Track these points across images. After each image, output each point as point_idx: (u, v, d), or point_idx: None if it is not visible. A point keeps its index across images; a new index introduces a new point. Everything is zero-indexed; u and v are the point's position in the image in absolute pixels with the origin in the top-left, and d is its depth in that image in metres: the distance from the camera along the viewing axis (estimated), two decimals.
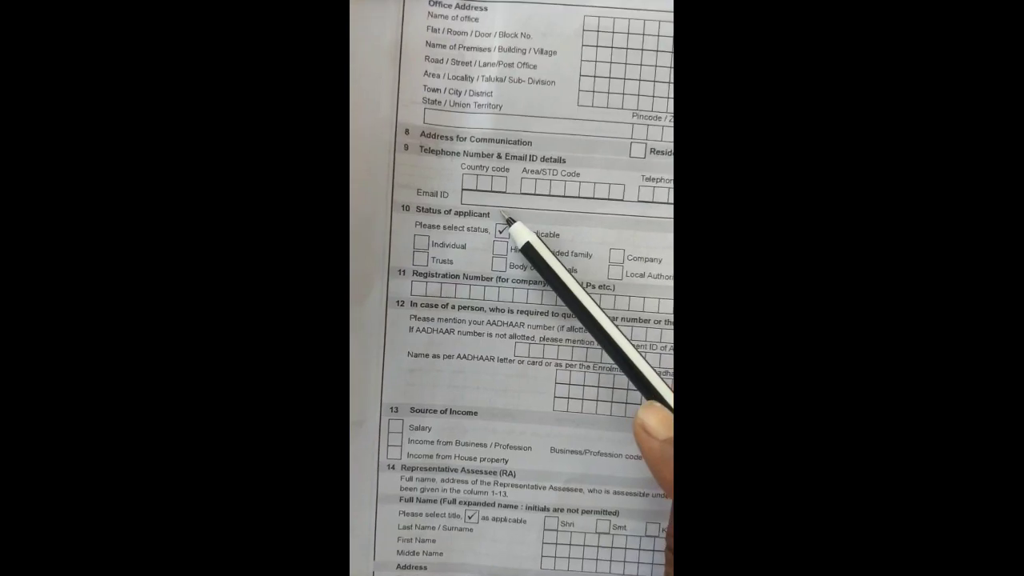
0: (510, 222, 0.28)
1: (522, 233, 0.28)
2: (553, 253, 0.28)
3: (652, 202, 0.28)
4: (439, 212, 0.28)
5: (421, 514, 0.30)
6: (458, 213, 0.28)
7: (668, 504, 0.29)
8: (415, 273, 0.28)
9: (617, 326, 0.27)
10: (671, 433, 0.24)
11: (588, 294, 0.27)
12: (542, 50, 0.28)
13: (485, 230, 0.28)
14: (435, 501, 0.30)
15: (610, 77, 0.28)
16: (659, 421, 0.25)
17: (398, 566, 0.30)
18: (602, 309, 0.27)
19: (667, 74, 0.28)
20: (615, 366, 0.29)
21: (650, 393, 0.26)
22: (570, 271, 0.28)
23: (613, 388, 0.29)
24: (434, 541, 0.30)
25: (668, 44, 0.28)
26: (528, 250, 0.28)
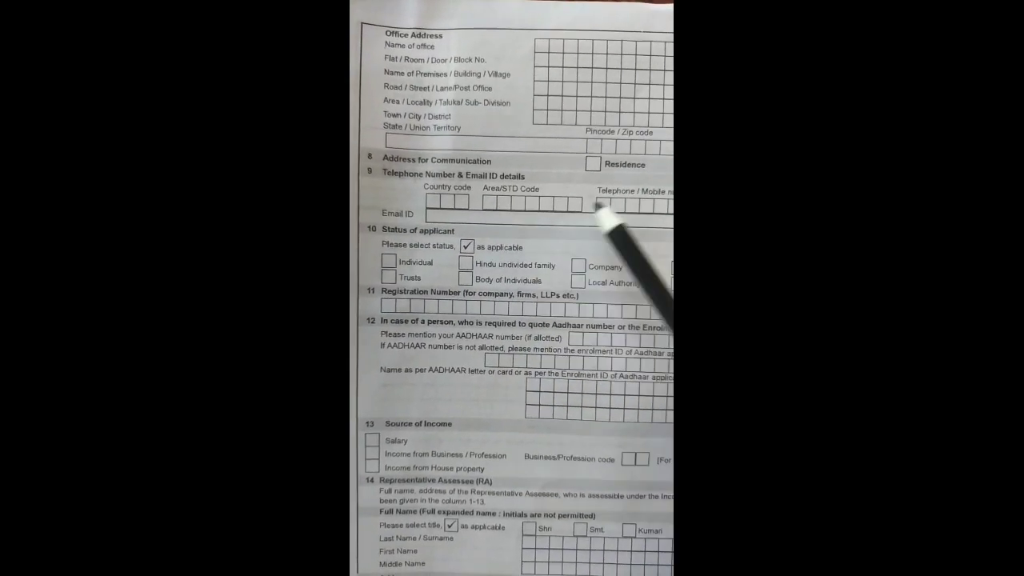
0: (598, 206, 0.29)
1: (610, 218, 0.28)
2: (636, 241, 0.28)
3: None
4: (404, 231, 0.29)
5: (401, 525, 0.30)
6: (423, 231, 0.29)
7: (642, 505, 0.30)
8: (384, 291, 0.30)
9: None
10: None
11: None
12: (496, 73, 0.29)
13: (450, 246, 0.30)
14: (415, 512, 0.30)
15: (562, 95, 0.29)
16: None
17: None
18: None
19: (617, 89, 0.29)
20: (583, 372, 0.30)
21: None
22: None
23: (583, 393, 0.30)
24: (416, 551, 0.30)
25: (617, 62, 0.29)
26: (616, 234, 0.28)
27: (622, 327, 0.30)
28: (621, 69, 0.29)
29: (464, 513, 0.30)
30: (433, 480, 0.30)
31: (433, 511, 0.30)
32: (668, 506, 0.30)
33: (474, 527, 0.30)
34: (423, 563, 0.30)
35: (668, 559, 0.30)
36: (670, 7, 0.29)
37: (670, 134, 0.29)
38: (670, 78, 0.29)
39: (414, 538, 0.30)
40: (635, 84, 0.29)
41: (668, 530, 0.30)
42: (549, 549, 0.30)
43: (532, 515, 0.30)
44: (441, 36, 0.29)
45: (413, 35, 0.29)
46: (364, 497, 0.30)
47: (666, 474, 0.30)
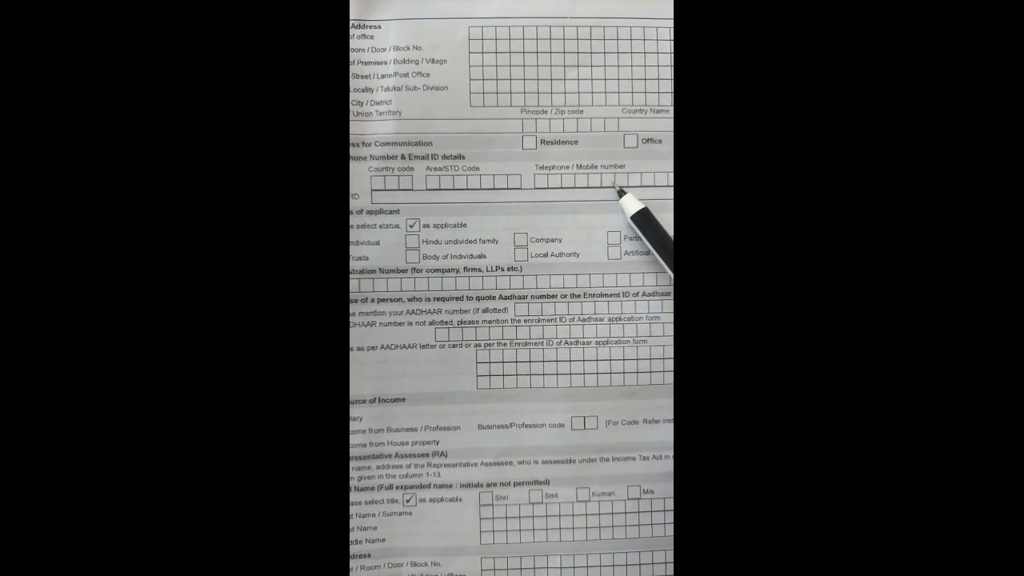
0: (621, 193, 0.31)
1: (633, 203, 0.30)
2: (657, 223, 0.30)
3: (547, 188, 0.31)
4: (352, 213, 0.30)
5: (360, 502, 0.31)
6: (369, 212, 0.30)
7: (594, 469, 0.31)
8: None
9: None
10: None
11: None
12: (433, 59, 0.31)
13: (396, 226, 0.31)
14: (372, 488, 0.31)
15: (497, 79, 0.31)
16: None
17: None
18: None
19: (548, 72, 0.31)
20: (530, 341, 0.31)
21: None
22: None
23: (530, 362, 0.31)
24: (376, 528, 0.31)
25: (546, 46, 0.31)
26: (640, 217, 0.30)
27: (564, 296, 0.31)
28: (551, 53, 0.31)
29: (422, 487, 0.31)
30: (390, 456, 0.31)
31: (391, 487, 0.31)
32: (619, 468, 0.31)
33: (432, 500, 0.31)
34: (383, 539, 0.31)
35: (621, 520, 0.31)
36: None
37: (600, 111, 0.31)
38: (598, 59, 0.31)
39: (373, 515, 0.31)
40: (564, 66, 0.31)
41: (621, 492, 0.31)
42: (507, 518, 0.31)
43: (488, 485, 0.31)
44: (380, 26, 0.30)
45: (354, 26, 0.30)
46: None
47: (615, 436, 0.31)
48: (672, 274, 0.30)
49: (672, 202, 0.31)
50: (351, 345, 0.30)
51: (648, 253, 0.31)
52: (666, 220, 0.31)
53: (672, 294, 0.31)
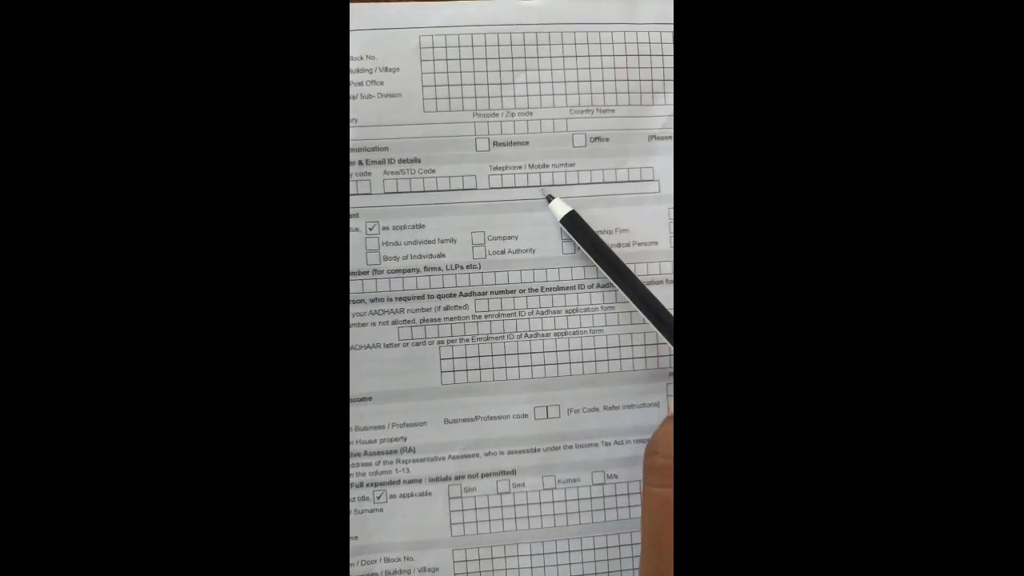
0: (549, 199, 0.32)
1: (562, 207, 0.31)
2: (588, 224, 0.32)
3: (501, 187, 0.32)
4: None
5: None
6: None
7: (558, 456, 0.32)
8: None
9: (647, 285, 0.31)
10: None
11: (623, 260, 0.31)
12: (386, 68, 0.32)
13: (356, 229, 0.31)
14: None
15: (448, 84, 0.32)
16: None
17: None
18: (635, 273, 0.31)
19: (498, 76, 0.32)
20: (491, 335, 0.32)
21: None
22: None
23: (492, 355, 0.32)
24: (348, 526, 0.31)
25: (495, 52, 0.32)
26: (569, 220, 0.31)
27: (522, 291, 0.32)
28: (499, 59, 0.32)
29: (391, 483, 0.32)
30: (359, 454, 0.32)
31: (361, 484, 0.31)
32: (582, 455, 0.32)
33: (402, 496, 0.32)
34: (356, 537, 0.31)
35: (587, 505, 0.32)
36: (538, 1, 0.32)
37: (549, 113, 0.32)
38: (544, 63, 0.32)
39: None
40: (513, 71, 0.32)
41: (586, 478, 0.32)
42: (476, 509, 0.32)
43: (456, 478, 0.32)
44: None
45: None
46: None
47: (576, 424, 0.32)
48: (600, 269, 0.32)
49: (625, 196, 0.32)
50: None
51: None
52: (617, 214, 0.32)
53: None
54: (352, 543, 0.31)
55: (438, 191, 0.32)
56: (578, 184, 0.32)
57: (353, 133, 0.31)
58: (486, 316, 0.32)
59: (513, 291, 0.32)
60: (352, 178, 0.31)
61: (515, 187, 0.32)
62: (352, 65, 0.31)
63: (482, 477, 0.32)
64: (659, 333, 0.30)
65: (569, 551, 0.32)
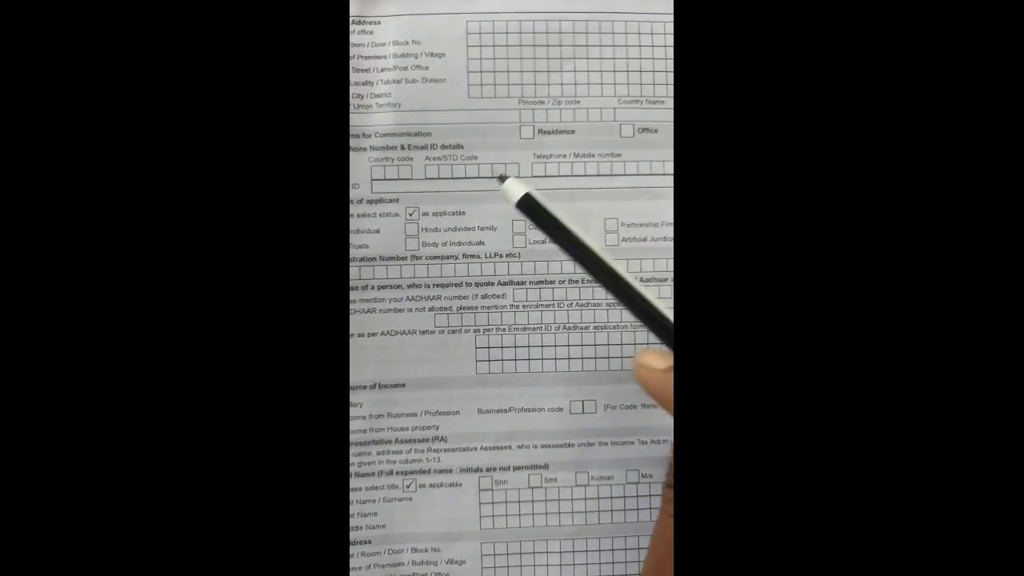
0: (502, 179, 0.27)
1: (518, 188, 0.27)
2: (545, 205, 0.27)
3: (544, 176, 0.32)
4: (352, 202, 0.31)
5: (360, 488, 0.31)
6: (369, 201, 0.31)
7: (592, 453, 0.31)
8: None
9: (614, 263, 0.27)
10: (670, 363, 0.26)
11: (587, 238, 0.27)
12: (432, 53, 0.31)
13: (396, 214, 0.31)
14: (373, 475, 0.31)
15: (495, 71, 0.32)
16: (656, 356, 0.26)
17: None
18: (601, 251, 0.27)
19: (545, 64, 0.32)
20: (528, 326, 0.31)
21: (654, 325, 0.26)
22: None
23: (529, 347, 0.31)
24: (376, 514, 0.31)
25: (543, 39, 0.32)
26: (525, 203, 0.27)
27: (562, 282, 0.31)
28: (547, 46, 0.32)
29: (421, 472, 0.31)
30: (390, 442, 0.31)
31: (391, 472, 0.31)
32: (617, 452, 0.31)
33: (432, 485, 0.31)
34: (383, 525, 0.31)
35: (620, 504, 0.31)
36: None
37: (596, 103, 0.32)
38: (594, 52, 0.32)
39: (374, 500, 0.31)
40: (561, 59, 0.32)
41: (620, 476, 0.31)
42: (506, 502, 0.31)
43: (487, 469, 0.31)
44: (379, 22, 0.31)
45: (354, 22, 0.31)
46: None
47: (613, 420, 0.31)
48: (564, 253, 0.27)
49: (671, 189, 0.32)
50: (351, 332, 0.31)
51: (645, 240, 0.31)
52: (664, 207, 0.31)
53: (671, 280, 0.32)
54: (380, 532, 0.31)
55: (480, 178, 0.31)
56: (624, 175, 0.32)
57: (396, 118, 0.31)
58: (524, 306, 0.31)
59: (553, 282, 0.31)
60: (393, 163, 0.31)
61: (559, 175, 0.32)
62: (397, 50, 0.31)
63: (514, 470, 0.31)
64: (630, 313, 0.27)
65: (600, 550, 0.31)
